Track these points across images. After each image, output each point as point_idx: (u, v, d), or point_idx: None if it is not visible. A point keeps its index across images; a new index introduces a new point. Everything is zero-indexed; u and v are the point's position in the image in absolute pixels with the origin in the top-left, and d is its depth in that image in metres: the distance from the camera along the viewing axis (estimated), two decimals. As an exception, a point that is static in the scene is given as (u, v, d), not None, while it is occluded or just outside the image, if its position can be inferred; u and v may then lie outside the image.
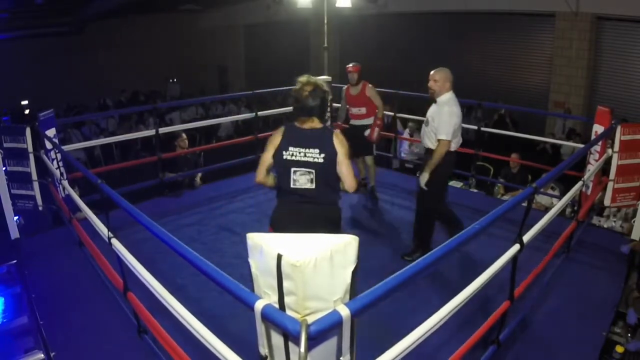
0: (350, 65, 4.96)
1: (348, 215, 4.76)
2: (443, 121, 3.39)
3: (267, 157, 2.59)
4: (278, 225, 2.59)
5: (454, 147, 3.51)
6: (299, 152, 2.47)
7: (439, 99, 3.50)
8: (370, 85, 4.92)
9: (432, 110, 3.58)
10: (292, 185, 2.49)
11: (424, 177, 3.56)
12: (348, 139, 2.60)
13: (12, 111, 13.21)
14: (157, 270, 2.33)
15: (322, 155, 2.45)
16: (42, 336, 2.81)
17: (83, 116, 12.41)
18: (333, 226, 2.50)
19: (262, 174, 2.65)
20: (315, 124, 2.53)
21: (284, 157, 2.49)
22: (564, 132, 9.32)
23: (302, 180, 2.47)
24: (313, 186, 2.47)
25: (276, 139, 2.56)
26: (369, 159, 5.05)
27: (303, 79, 2.55)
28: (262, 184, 2.72)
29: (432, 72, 3.51)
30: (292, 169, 2.48)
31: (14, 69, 13.69)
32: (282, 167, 2.51)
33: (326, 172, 2.47)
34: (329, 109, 5.78)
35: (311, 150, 2.46)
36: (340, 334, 1.36)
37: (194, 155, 6.10)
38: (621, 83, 8.95)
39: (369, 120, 4.89)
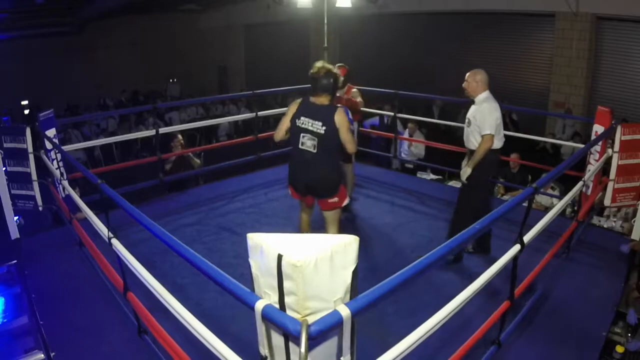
0: (336, 67, 4.85)
1: (349, 216, 4.76)
2: (486, 117, 3.46)
3: (285, 121, 3.29)
4: (292, 176, 3.36)
5: (498, 144, 3.53)
6: (308, 122, 3.14)
7: (477, 98, 3.58)
8: (354, 89, 4.71)
9: (472, 110, 3.64)
10: (299, 146, 3.18)
11: (466, 172, 3.57)
12: None
13: (12, 111, 13.21)
14: (157, 270, 2.33)
15: (324, 128, 3.09)
16: (42, 336, 2.81)
17: (83, 116, 12.41)
18: (329, 184, 3.23)
19: (281, 133, 3.35)
20: (324, 100, 3.17)
21: (297, 124, 3.18)
22: (564, 132, 9.32)
23: (307, 143, 3.15)
24: (315, 151, 3.13)
25: (293, 107, 3.26)
26: (349, 167, 4.51)
27: (319, 63, 3.20)
28: (280, 139, 3.40)
29: (470, 73, 3.59)
30: (302, 134, 3.15)
31: (14, 69, 13.68)
32: (294, 131, 3.20)
33: (326, 141, 3.11)
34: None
35: (316, 122, 3.11)
36: (341, 334, 1.36)
37: (188, 160, 6.07)
38: (621, 83, 8.95)
39: (354, 125, 4.76)
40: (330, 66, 3.18)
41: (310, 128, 3.13)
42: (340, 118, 3.09)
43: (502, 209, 2.15)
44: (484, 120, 3.46)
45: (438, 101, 9.75)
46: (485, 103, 3.51)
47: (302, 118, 3.17)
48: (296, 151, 3.22)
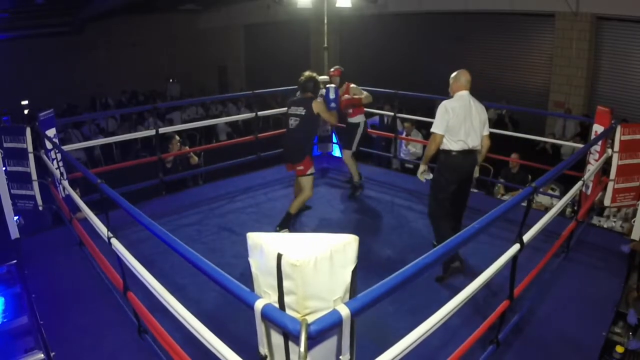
0: (332, 69, 5.27)
1: (348, 216, 4.77)
2: (436, 115, 3.51)
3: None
4: (283, 148, 4.44)
5: (454, 146, 3.49)
6: (294, 109, 4.28)
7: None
8: (352, 85, 5.10)
9: None
10: (289, 127, 4.28)
11: (420, 168, 3.74)
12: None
13: (12, 111, 13.21)
14: (157, 270, 2.33)
15: (304, 111, 4.20)
16: (42, 336, 2.81)
17: (83, 116, 12.41)
18: (296, 153, 4.23)
19: None
20: (307, 95, 4.30)
21: (288, 112, 4.33)
22: (563, 132, 9.32)
23: (292, 122, 4.26)
24: (294, 127, 4.24)
25: (289, 103, 4.41)
26: (346, 153, 5.20)
27: (306, 73, 4.37)
28: None
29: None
30: (290, 117, 4.28)
31: (14, 69, 13.70)
32: (287, 117, 4.33)
33: (303, 121, 4.21)
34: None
35: (299, 108, 4.25)
36: (340, 334, 1.36)
37: (187, 158, 6.06)
38: (621, 83, 8.95)
39: (358, 118, 5.15)
40: (313, 74, 4.34)
41: (295, 112, 4.24)
42: (316, 105, 4.20)
43: (501, 208, 2.15)
44: (435, 119, 3.52)
45: (438, 101, 9.76)
46: (444, 102, 3.52)
47: (292, 107, 4.31)
48: (286, 131, 4.35)
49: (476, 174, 3.76)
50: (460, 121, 3.44)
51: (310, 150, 4.42)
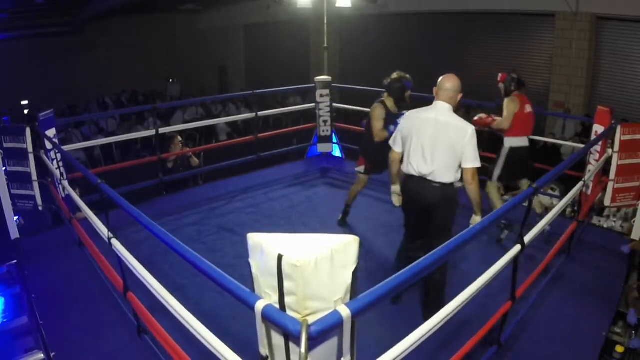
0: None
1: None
2: None
3: None
4: None
5: (406, 169, 2.98)
6: None
7: None
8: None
9: None
10: None
11: (391, 189, 3.30)
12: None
13: (12, 111, 13.20)
14: (157, 270, 2.33)
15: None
16: (42, 336, 2.81)
17: (83, 116, 12.40)
18: (360, 146, 4.52)
19: None
20: (382, 97, 4.14)
21: None
22: (563, 132, 9.32)
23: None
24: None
25: None
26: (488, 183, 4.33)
27: (393, 75, 4.10)
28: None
29: None
30: None
31: (14, 69, 13.69)
32: None
33: (367, 121, 4.22)
34: (328, 108, 5.83)
35: None
36: (341, 334, 1.36)
37: (188, 159, 6.06)
38: (621, 83, 8.95)
39: (506, 142, 4.25)
40: (396, 76, 4.06)
41: None
42: (372, 108, 4.05)
43: (502, 209, 2.15)
44: None
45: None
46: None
47: None
48: None
49: (473, 221, 2.98)
50: (406, 137, 2.93)
51: (364, 150, 4.39)
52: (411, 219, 3.09)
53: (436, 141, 2.79)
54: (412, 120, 2.93)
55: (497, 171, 4.14)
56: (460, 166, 2.84)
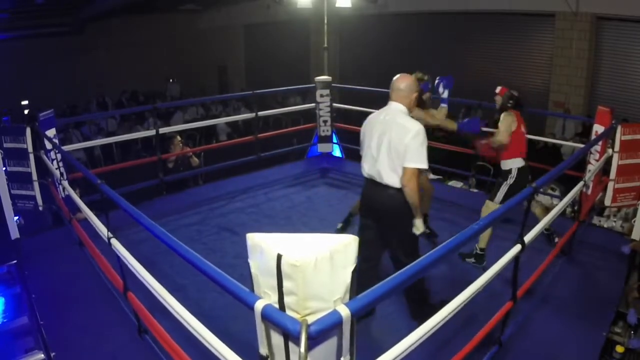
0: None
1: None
2: None
3: None
4: None
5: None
6: None
7: None
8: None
9: None
10: None
11: None
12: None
13: (12, 111, 13.20)
14: (157, 270, 2.33)
15: None
16: (42, 336, 2.81)
17: (83, 116, 12.40)
18: None
19: None
20: None
21: None
22: (563, 132, 9.32)
23: None
24: None
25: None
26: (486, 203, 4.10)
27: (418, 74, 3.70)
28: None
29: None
30: None
31: (14, 69, 13.69)
32: None
33: None
34: (328, 108, 5.83)
35: None
36: (341, 334, 1.36)
37: (188, 159, 6.06)
38: (621, 83, 8.95)
39: (508, 164, 4.08)
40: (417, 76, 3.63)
41: None
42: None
43: (502, 208, 2.15)
44: None
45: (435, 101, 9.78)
46: None
47: None
48: None
49: (417, 229, 2.77)
50: (362, 140, 2.88)
51: None
52: (363, 225, 2.95)
53: (381, 141, 2.70)
54: (367, 123, 2.86)
55: (501, 193, 3.86)
56: None
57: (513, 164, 3.85)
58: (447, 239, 1.81)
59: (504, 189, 3.85)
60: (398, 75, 2.80)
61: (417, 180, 2.64)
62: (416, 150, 2.60)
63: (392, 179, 2.70)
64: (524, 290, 2.60)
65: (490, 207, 3.86)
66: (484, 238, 3.73)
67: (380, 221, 2.84)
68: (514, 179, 3.82)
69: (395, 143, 2.64)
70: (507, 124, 3.79)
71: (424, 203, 4.05)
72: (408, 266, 1.58)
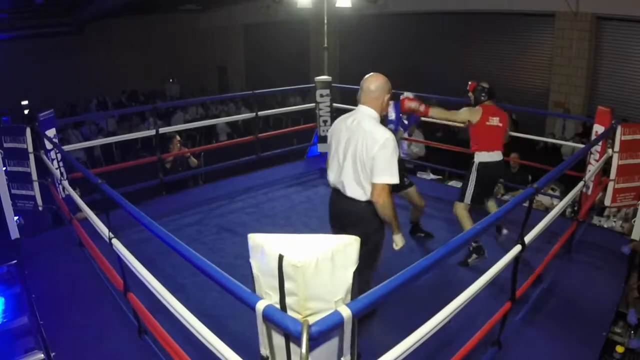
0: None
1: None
2: None
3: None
4: None
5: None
6: None
7: None
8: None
9: None
10: None
11: None
12: None
13: (12, 111, 13.20)
14: (158, 270, 2.33)
15: None
16: (42, 336, 2.81)
17: (83, 116, 12.40)
18: None
19: None
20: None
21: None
22: (563, 132, 9.32)
23: None
24: None
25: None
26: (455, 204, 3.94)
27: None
28: None
29: None
30: None
31: (14, 69, 13.69)
32: None
33: None
34: (328, 108, 5.82)
35: None
36: (342, 335, 1.36)
37: (186, 160, 6.06)
38: (621, 83, 8.95)
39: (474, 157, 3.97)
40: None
41: None
42: None
43: (503, 209, 2.15)
44: None
45: (432, 101, 9.78)
46: None
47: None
48: None
49: (396, 245, 2.67)
50: (329, 144, 2.65)
51: None
52: (332, 232, 2.73)
53: (347, 150, 2.46)
54: (333, 127, 2.63)
55: (469, 191, 3.70)
56: None
57: (477, 158, 3.72)
58: (447, 238, 1.82)
59: (470, 188, 3.70)
60: (368, 75, 2.53)
61: (388, 195, 2.42)
62: (385, 162, 2.36)
63: (356, 192, 2.48)
64: (522, 291, 2.60)
65: (459, 208, 3.73)
66: (465, 224, 3.66)
67: (346, 231, 2.61)
68: (475, 174, 3.68)
69: (361, 153, 2.40)
70: (463, 113, 3.72)
71: (415, 213, 4.06)
72: (411, 266, 1.58)
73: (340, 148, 2.51)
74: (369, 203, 2.47)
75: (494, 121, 3.69)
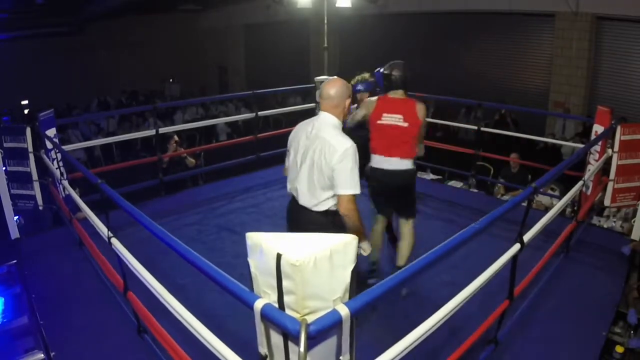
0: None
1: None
2: None
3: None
4: None
5: None
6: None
7: None
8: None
9: None
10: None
11: None
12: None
13: (12, 111, 13.21)
14: (157, 270, 2.33)
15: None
16: (42, 336, 2.81)
17: (83, 116, 12.40)
18: None
19: None
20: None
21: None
22: (563, 132, 9.32)
23: None
24: None
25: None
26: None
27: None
28: None
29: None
30: None
31: (14, 69, 13.69)
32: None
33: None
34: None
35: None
36: (340, 333, 1.36)
37: (181, 161, 6.06)
38: (621, 83, 8.95)
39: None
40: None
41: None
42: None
43: (502, 209, 2.15)
44: None
45: (432, 102, 9.79)
46: None
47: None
48: None
49: (363, 251, 2.58)
50: (289, 150, 2.59)
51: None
52: None
53: (304, 158, 2.40)
54: (293, 133, 2.56)
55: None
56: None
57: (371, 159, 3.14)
58: (446, 240, 1.82)
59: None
60: (328, 80, 2.46)
61: (354, 205, 2.35)
62: (347, 174, 2.29)
63: (308, 202, 2.41)
64: (520, 289, 2.60)
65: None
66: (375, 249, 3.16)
67: None
68: (365, 177, 3.04)
69: (319, 163, 2.33)
70: (361, 107, 3.24)
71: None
72: (406, 267, 1.59)
73: (299, 155, 2.45)
74: (322, 214, 2.41)
75: (392, 119, 3.03)
